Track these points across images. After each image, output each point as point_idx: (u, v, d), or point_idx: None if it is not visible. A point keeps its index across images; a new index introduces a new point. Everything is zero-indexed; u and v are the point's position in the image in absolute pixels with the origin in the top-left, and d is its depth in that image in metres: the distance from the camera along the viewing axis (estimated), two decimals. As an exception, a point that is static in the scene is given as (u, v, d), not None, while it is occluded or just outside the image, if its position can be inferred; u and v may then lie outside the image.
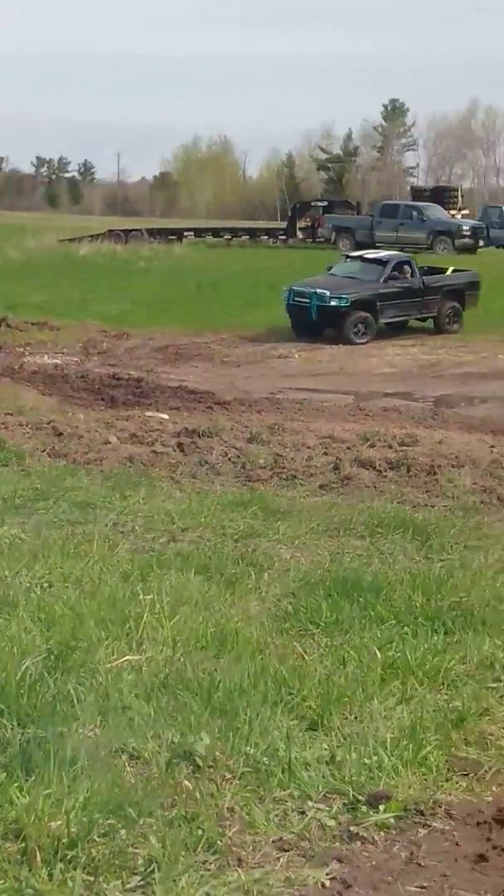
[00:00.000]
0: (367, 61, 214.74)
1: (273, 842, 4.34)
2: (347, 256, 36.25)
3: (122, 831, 4.29)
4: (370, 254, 36.42)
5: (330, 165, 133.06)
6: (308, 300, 31.39)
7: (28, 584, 7.52)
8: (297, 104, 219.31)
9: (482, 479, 12.48)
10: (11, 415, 16.03)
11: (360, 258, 34.92)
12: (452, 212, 65.56)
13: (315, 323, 31.68)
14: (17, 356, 26.03)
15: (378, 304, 32.08)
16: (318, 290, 31.48)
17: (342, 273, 33.56)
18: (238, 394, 21.33)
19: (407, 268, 33.57)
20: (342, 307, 31.31)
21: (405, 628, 6.78)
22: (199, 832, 4.31)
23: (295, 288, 32.08)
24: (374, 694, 5.66)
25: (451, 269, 35.41)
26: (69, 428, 15.04)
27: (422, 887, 4.10)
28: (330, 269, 34.84)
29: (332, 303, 31.23)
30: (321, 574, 8.04)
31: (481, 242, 58.90)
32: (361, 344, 30.89)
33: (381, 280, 32.58)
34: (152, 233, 64.05)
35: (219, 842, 4.28)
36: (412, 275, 33.16)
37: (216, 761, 4.83)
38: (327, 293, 31.35)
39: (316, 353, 28.82)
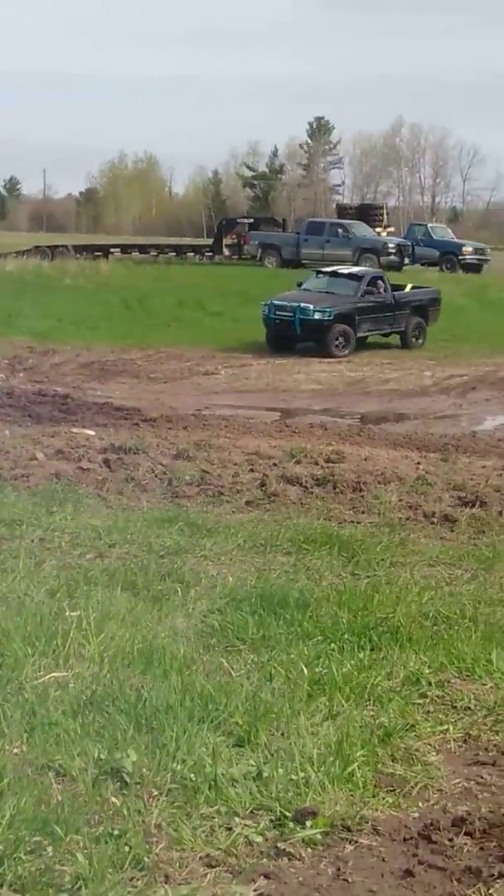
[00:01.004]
0: (293, 80, 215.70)
1: (200, 858, 4.34)
2: (318, 272, 36.53)
3: (49, 848, 4.28)
4: (343, 269, 36.99)
5: (256, 182, 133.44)
6: (291, 314, 31.76)
7: (-47, 601, 7.47)
8: (224, 122, 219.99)
9: (408, 495, 12.54)
10: None
11: (334, 273, 35.40)
12: (378, 229, 65.83)
13: (296, 336, 32.14)
14: None
15: (356, 318, 32.76)
16: (302, 304, 31.89)
17: (315, 288, 33.93)
18: (165, 410, 21.30)
19: (380, 283, 34.28)
20: (325, 321, 31.87)
21: (332, 645, 6.80)
22: (126, 849, 4.30)
23: (276, 302, 32.46)
24: (301, 710, 5.67)
25: (409, 285, 35.81)
26: (-5, 444, 14.96)
27: (349, 903, 4.11)
28: (300, 284, 35.18)
29: (316, 316, 31.75)
30: (248, 590, 8.04)
31: (406, 260, 59.25)
32: (342, 357, 31.57)
33: (358, 294, 33.16)
34: (79, 249, 63.91)
35: (146, 858, 4.27)
36: (385, 290, 33.92)
37: (143, 778, 4.82)
38: (311, 307, 31.81)
39: (243, 370, 28.85)
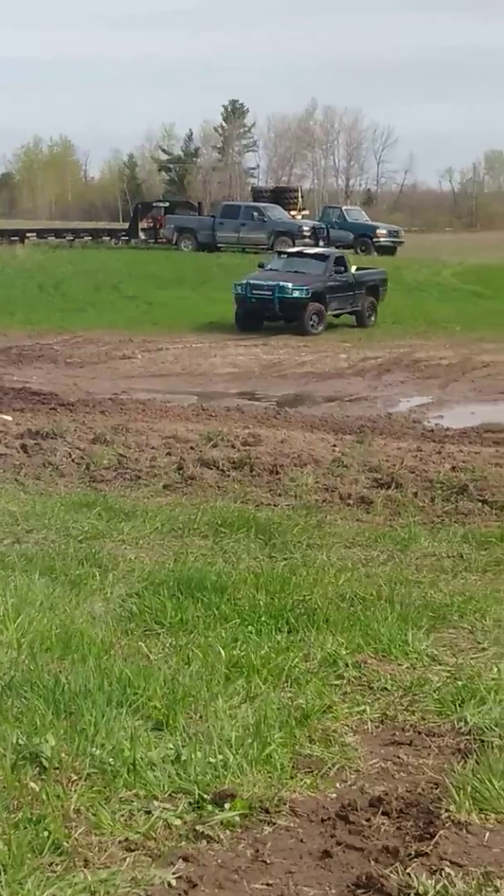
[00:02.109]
0: (207, 63, 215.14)
1: (119, 842, 4.34)
2: (281, 253, 37.47)
3: (-33, 835, 4.26)
4: (309, 249, 38.61)
5: (171, 166, 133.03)
6: (270, 293, 32.55)
7: None
8: (139, 105, 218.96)
9: (324, 477, 12.58)
10: None
11: (299, 253, 36.43)
12: (293, 212, 65.93)
13: (273, 315, 32.97)
14: None
15: (327, 296, 33.75)
16: (281, 283, 32.66)
17: (283, 268, 34.49)
18: (82, 395, 21.25)
19: (342, 263, 35.41)
20: (302, 299, 32.73)
21: (249, 627, 6.81)
22: (45, 834, 4.29)
23: (252, 282, 33.18)
24: (219, 693, 5.68)
25: (354, 267, 36.28)
26: None
27: (267, 885, 4.12)
28: (262, 266, 35.93)
29: (295, 294, 32.70)
30: (165, 574, 8.04)
31: (321, 243, 59.35)
32: (316, 334, 32.54)
33: (327, 274, 34.07)
34: (-7, 233, 63.42)
35: (65, 843, 4.26)
36: (346, 270, 34.92)
37: (62, 763, 4.81)
38: (289, 285, 32.61)
39: (159, 354, 28.83)
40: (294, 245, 55.56)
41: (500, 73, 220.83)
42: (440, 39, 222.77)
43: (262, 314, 33.50)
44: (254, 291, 33.10)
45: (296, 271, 34.00)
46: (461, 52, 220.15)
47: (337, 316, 34.43)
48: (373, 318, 35.65)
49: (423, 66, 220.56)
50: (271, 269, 34.87)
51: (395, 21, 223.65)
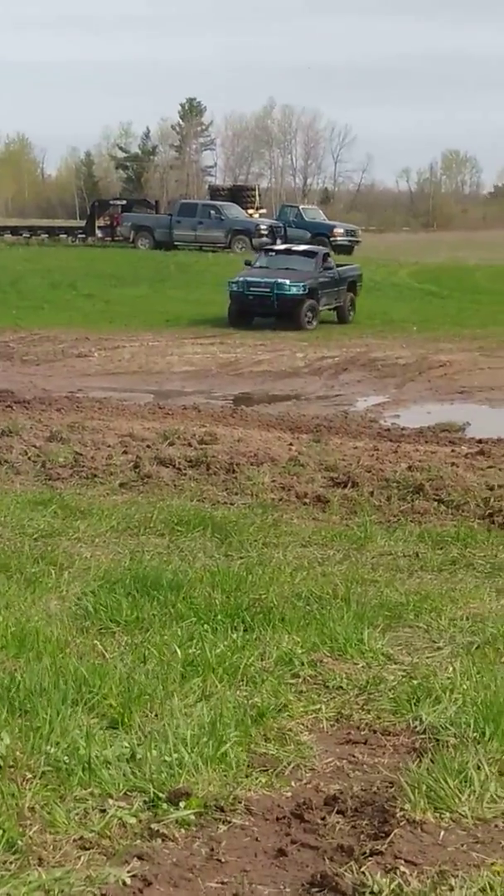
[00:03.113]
0: (165, 62, 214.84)
1: (74, 840, 4.32)
2: (269, 250, 37.71)
3: None
4: (297, 246, 38.96)
5: (128, 164, 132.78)
6: (268, 289, 32.97)
7: None
8: (96, 103, 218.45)
9: (280, 476, 12.59)
10: None
11: (288, 251, 36.99)
12: (250, 211, 66.08)
13: (271, 311, 33.40)
14: None
15: (319, 292, 34.31)
16: (279, 280, 33.09)
17: (273, 266, 34.84)
18: (38, 393, 21.17)
19: (329, 259, 35.94)
20: (299, 295, 33.24)
21: (205, 626, 6.81)
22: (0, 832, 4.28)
23: (249, 279, 33.55)
24: (175, 691, 5.67)
25: None
26: None
27: (222, 883, 4.12)
28: (249, 263, 36.18)
29: (292, 290, 33.15)
30: (121, 572, 8.03)
31: (279, 241, 59.43)
32: (310, 330, 33.19)
33: (318, 270, 34.68)
34: (-50, 231, 63.21)
35: (19, 841, 4.25)
36: (332, 266, 35.61)
37: (16, 761, 4.80)
38: (287, 282, 33.08)
39: (116, 352, 28.76)
40: (251, 244, 55.86)
41: (457, 75, 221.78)
42: (398, 43, 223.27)
43: (256, 311, 33.90)
44: (251, 289, 33.39)
45: (287, 268, 34.35)
46: (419, 56, 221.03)
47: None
48: (352, 314, 36.15)
49: (382, 68, 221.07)
50: (261, 267, 35.11)
51: (354, 24, 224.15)
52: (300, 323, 33.36)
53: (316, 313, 34.23)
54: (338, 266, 36.73)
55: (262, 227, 59.25)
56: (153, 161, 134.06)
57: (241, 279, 33.88)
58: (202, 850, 4.32)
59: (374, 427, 18.24)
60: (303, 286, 33.47)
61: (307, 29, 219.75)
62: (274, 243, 57.03)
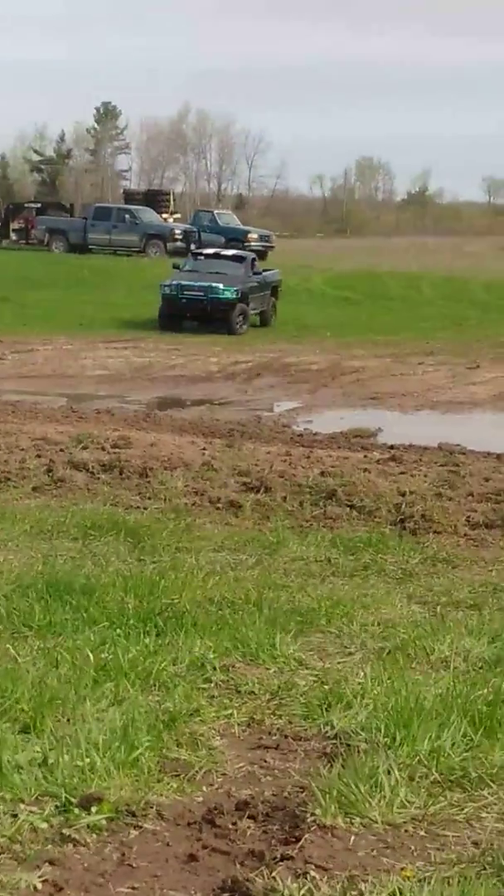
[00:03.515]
0: (80, 63, 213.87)
1: (-16, 846, 4.30)
2: (197, 254, 38.13)
3: None
4: (226, 251, 39.47)
5: (43, 167, 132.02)
6: (202, 293, 33.41)
7: None
8: (10, 105, 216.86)
9: (193, 481, 12.60)
10: None
11: (216, 255, 37.45)
12: (165, 215, 66.04)
13: (204, 315, 33.82)
14: None
15: (249, 296, 34.73)
16: (213, 284, 33.53)
17: (203, 269, 35.18)
18: None
19: (255, 264, 36.66)
20: (232, 299, 33.66)
21: (118, 630, 6.80)
22: None
23: (183, 283, 33.84)
24: (87, 696, 5.66)
25: None
26: None
27: (133, 888, 4.12)
28: (178, 267, 36.36)
29: (226, 295, 33.59)
30: (34, 576, 8.00)
31: (193, 246, 59.48)
32: (241, 334, 33.66)
33: (247, 275, 35.27)
34: None
35: None
36: (257, 271, 36.33)
37: None
38: (220, 286, 33.52)
39: (29, 355, 28.64)
40: (166, 249, 55.90)
41: (372, 82, 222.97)
42: (312, 48, 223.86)
43: (187, 314, 34.18)
44: (185, 292, 33.74)
45: (217, 272, 34.75)
46: (334, 62, 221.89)
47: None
48: (274, 318, 36.76)
49: (295, 74, 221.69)
50: (190, 271, 35.41)
51: (267, 29, 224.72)
52: (232, 327, 33.79)
53: (246, 317, 34.66)
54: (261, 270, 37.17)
55: (177, 231, 59.30)
56: (68, 164, 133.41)
57: (175, 283, 34.10)
58: (113, 856, 4.31)
59: (287, 432, 18.31)
60: (236, 290, 33.88)
61: (221, 32, 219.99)
62: (188, 248, 57.34)
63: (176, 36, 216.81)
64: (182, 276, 34.90)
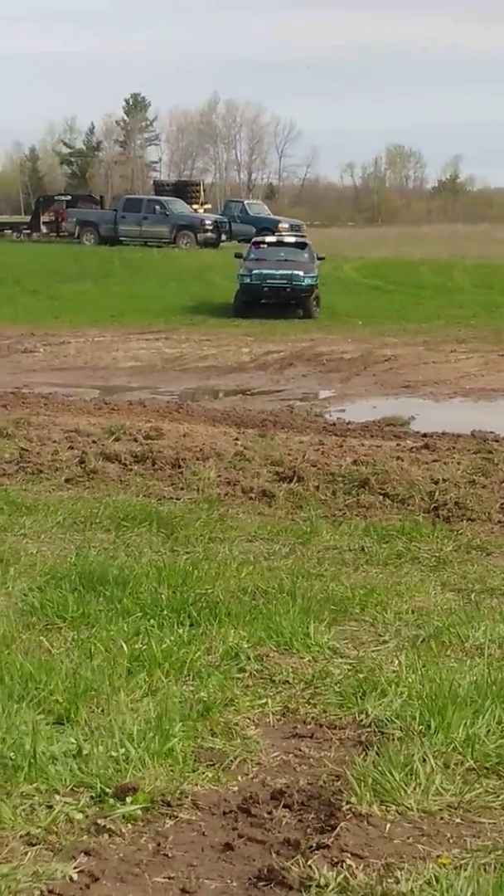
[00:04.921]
0: (109, 56, 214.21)
1: (20, 836, 4.32)
2: (260, 242, 38.39)
3: None
4: (287, 238, 41.27)
5: (73, 159, 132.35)
6: (286, 281, 34.68)
7: None
8: (40, 98, 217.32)
9: (226, 471, 12.59)
10: None
11: (280, 242, 38.54)
12: (195, 206, 66.14)
13: (286, 302, 34.95)
14: None
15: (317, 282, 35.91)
16: (294, 271, 34.86)
17: (272, 257, 36.10)
18: (-18, 388, 21.08)
19: (312, 250, 37.47)
20: (311, 285, 35.10)
21: (151, 621, 6.81)
22: None
23: (264, 271, 34.90)
24: (121, 686, 5.67)
25: None
26: None
27: (169, 878, 4.13)
28: (242, 256, 37.14)
29: (307, 282, 34.92)
30: (67, 568, 8.02)
31: (224, 237, 59.54)
32: (317, 318, 34.91)
33: (312, 261, 36.43)
34: None
35: (-35, 839, 4.24)
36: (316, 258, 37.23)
37: (-38, 759, 4.78)
38: (301, 273, 34.83)
39: (61, 348, 28.66)
40: (196, 240, 55.96)
41: (401, 70, 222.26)
42: (342, 37, 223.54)
43: (269, 301, 35.04)
44: (267, 280, 34.76)
45: (286, 260, 35.82)
46: (363, 49, 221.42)
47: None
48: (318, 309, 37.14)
49: (324, 61, 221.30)
50: (258, 259, 36.09)
51: (297, 18, 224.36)
52: (310, 311, 35.02)
53: (319, 301, 35.72)
54: None
55: (207, 222, 59.37)
56: (98, 156, 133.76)
57: (256, 271, 35.00)
58: (149, 846, 4.32)
59: (320, 422, 18.26)
60: (314, 277, 35.26)
61: (250, 22, 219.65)
62: (219, 238, 57.35)
63: (204, 27, 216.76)
64: (256, 264, 35.63)
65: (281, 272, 34.93)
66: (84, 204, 67.31)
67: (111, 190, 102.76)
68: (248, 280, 35.16)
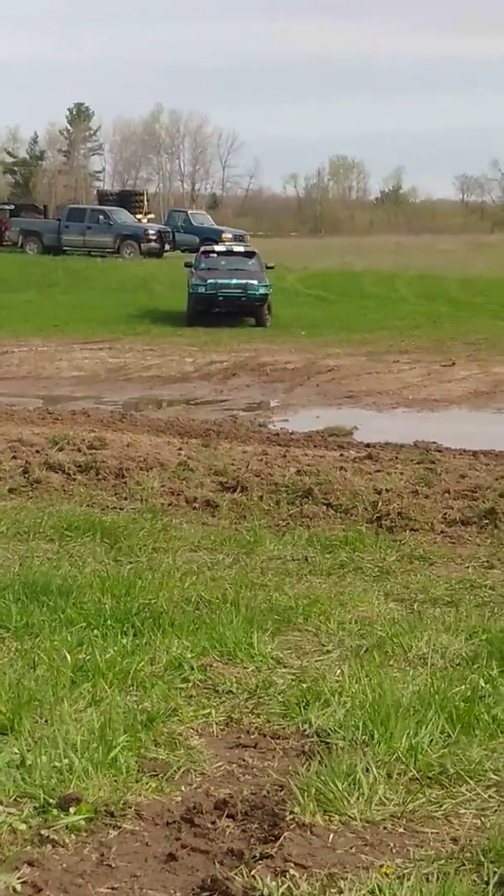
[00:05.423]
0: (52, 64, 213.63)
1: (-37, 848, 4.30)
2: (208, 252, 38.86)
3: None
4: (236, 247, 41.80)
5: (16, 169, 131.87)
6: (240, 290, 35.34)
7: None
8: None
9: (170, 481, 12.58)
10: None
11: (230, 252, 39.27)
12: (138, 216, 66.07)
13: (241, 311, 35.85)
14: None
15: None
16: (249, 281, 35.57)
17: (223, 267, 36.66)
18: None
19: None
20: (265, 294, 35.86)
21: (95, 631, 6.80)
22: None
23: (219, 281, 35.40)
24: (65, 697, 5.66)
25: None
26: None
27: (112, 888, 4.12)
28: (191, 265, 37.53)
29: (260, 290, 35.65)
30: (11, 578, 7.98)
31: (167, 246, 59.55)
32: (267, 327, 35.48)
33: (262, 270, 37.04)
34: None
35: None
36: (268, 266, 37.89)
37: None
38: (255, 282, 35.59)
39: (4, 357, 28.59)
40: (140, 249, 55.95)
41: (344, 80, 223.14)
42: (284, 46, 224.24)
43: (223, 311, 35.58)
44: (222, 290, 35.24)
45: (237, 269, 36.43)
46: (306, 59, 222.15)
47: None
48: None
49: (267, 72, 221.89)
50: (208, 269, 36.52)
51: (237, 28, 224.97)
52: (263, 320, 35.74)
53: (270, 310, 36.32)
54: None
55: (151, 232, 59.35)
56: (41, 166, 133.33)
57: (211, 281, 35.37)
58: (92, 856, 4.31)
59: (263, 432, 18.30)
60: (267, 286, 35.86)
61: (190, 33, 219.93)
62: (162, 248, 57.35)
63: (148, 36, 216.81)
64: (209, 274, 36.03)
65: (235, 281, 35.40)
66: (27, 213, 67.07)
67: (55, 199, 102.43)
68: (202, 290, 35.44)
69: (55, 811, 4.54)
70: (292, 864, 4.24)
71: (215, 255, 38.08)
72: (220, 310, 35.62)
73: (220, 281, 35.51)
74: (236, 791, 4.85)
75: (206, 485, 12.45)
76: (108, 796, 4.69)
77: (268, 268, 37.67)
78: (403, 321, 36.97)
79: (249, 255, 38.41)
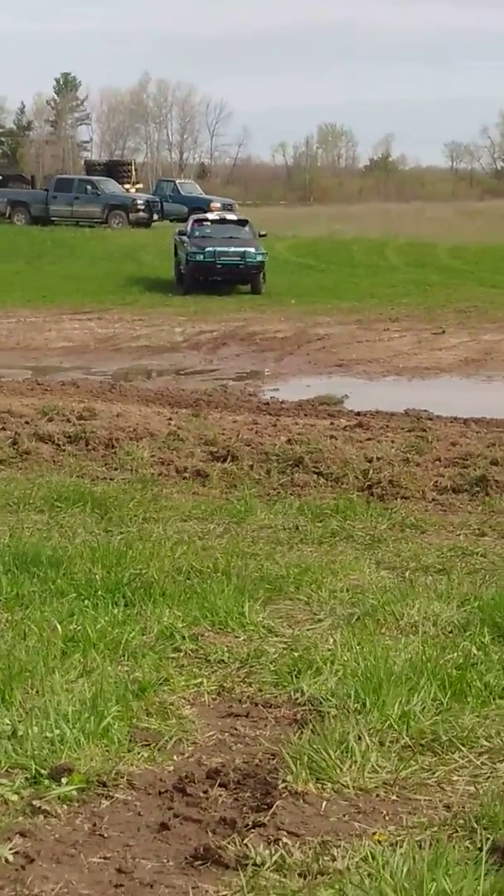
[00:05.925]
0: (38, 34, 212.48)
1: (-45, 820, 4.29)
2: (203, 220, 38.94)
3: None
4: (229, 216, 41.93)
5: (3, 139, 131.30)
6: (239, 258, 35.64)
7: None
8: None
9: (160, 451, 12.57)
10: None
11: (223, 220, 39.24)
12: (126, 186, 65.86)
13: (238, 278, 36.20)
14: None
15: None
16: (247, 248, 35.85)
17: (217, 234, 36.84)
18: None
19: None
20: (262, 261, 36.11)
21: (86, 601, 6.79)
22: None
23: (217, 249, 35.50)
24: (56, 667, 5.64)
25: None
26: None
27: (105, 858, 4.11)
28: (184, 233, 37.46)
29: (258, 258, 35.93)
30: (1, 549, 7.96)
31: (155, 216, 59.37)
32: (262, 293, 35.80)
33: (256, 237, 37.42)
34: None
35: None
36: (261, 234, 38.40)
37: None
38: (252, 250, 35.90)
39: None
40: (129, 219, 55.80)
41: (332, 48, 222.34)
42: (271, 16, 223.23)
43: (217, 278, 35.87)
44: (222, 258, 35.39)
45: (230, 237, 36.64)
46: (294, 28, 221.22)
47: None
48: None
49: (255, 41, 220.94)
50: (204, 236, 36.57)
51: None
52: (259, 287, 35.97)
53: (265, 278, 36.51)
54: None
55: (139, 202, 59.16)
56: (28, 136, 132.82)
57: (209, 249, 35.46)
58: (84, 826, 4.30)
59: (254, 401, 18.28)
60: (264, 253, 36.11)
61: (181, 1, 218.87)
62: (151, 218, 57.20)
63: (135, 6, 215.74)
64: (206, 241, 36.13)
65: (233, 249, 35.60)
66: (15, 184, 66.81)
67: (42, 170, 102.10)
68: (200, 257, 35.51)
69: (47, 782, 4.52)
70: (285, 833, 4.23)
71: (208, 223, 38.10)
72: (217, 278, 35.77)
73: (218, 249, 35.63)
74: (228, 760, 4.84)
75: (196, 454, 12.44)
76: (99, 766, 4.68)
77: (260, 236, 37.96)
78: (393, 289, 36.94)
79: (242, 223, 38.63)
